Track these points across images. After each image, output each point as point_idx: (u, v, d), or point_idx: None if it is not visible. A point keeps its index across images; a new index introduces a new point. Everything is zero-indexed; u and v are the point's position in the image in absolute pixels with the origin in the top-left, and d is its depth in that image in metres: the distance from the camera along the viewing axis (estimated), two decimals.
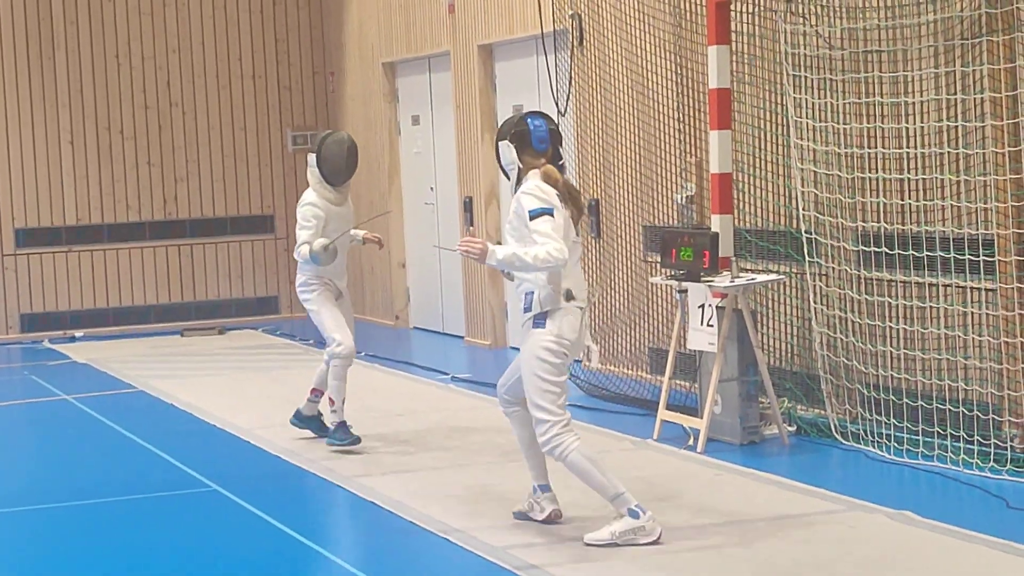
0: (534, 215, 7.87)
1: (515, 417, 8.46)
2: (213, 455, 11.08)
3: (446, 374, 14.25)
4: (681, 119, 12.32)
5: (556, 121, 8.41)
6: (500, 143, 8.19)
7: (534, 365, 7.97)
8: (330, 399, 10.72)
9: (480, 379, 13.77)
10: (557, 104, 13.73)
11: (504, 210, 15.68)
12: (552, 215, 7.88)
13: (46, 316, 18.72)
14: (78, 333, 18.62)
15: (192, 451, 11.14)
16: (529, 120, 8.18)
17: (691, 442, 10.43)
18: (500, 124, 8.44)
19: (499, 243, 8.26)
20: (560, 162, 8.22)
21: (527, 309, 8.03)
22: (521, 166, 8.11)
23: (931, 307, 9.85)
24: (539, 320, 7.97)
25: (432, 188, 17.28)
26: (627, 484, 8.11)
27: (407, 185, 17.97)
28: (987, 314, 9.47)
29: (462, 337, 16.64)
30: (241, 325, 18.94)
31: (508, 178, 8.24)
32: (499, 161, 8.25)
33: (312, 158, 10.78)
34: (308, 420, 11.19)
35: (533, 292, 7.99)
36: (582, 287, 8.11)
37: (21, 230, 18.57)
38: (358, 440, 10.66)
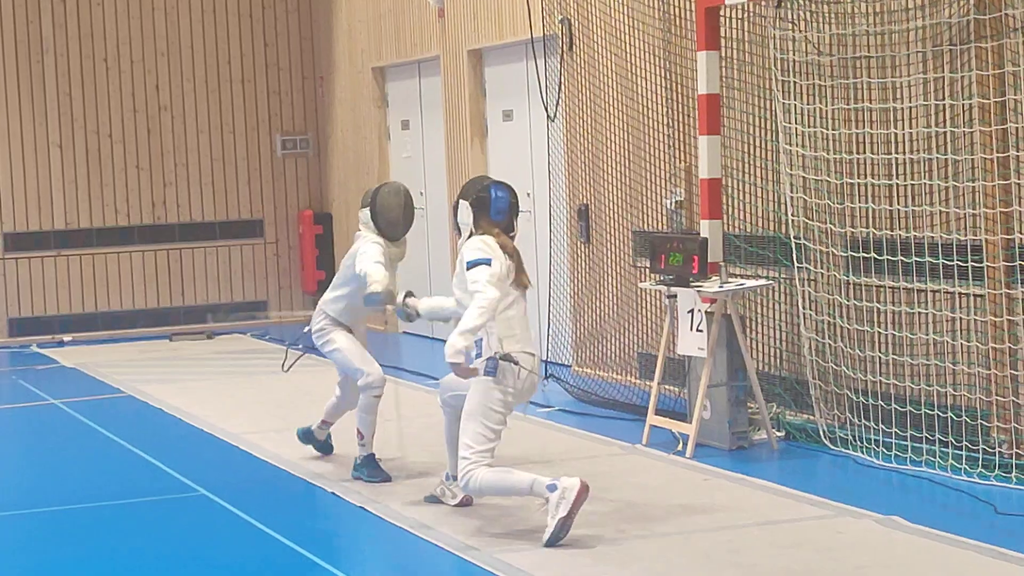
0: (471, 265, 8.26)
1: (448, 414, 9.04)
2: (201, 460, 11.06)
3: (435, 379, 14.23)
4: (670, 124, 12.32)
5: (518, 196, 8.72)
6: (460, 202, 8.57)
7: (479, 413, 8.31)
8: (359, 432, 9.99)
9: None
10: (547, 109, 13.74)
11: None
12: (489, 264, 8.25)
13: (35, 320, 18.69)
14: (66, 337, 18.59)
15: (180, 456, 11.12)
16: (492, 189, 8.55)
17: (680, 447, 10.43)
18: (464, 184, 8.76)
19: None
20: (512, 234, 8.58)
21: (478, 354, 8.29)
22: (474, 230, 8.50)
23: (920, 312, 9.86)
24: (490, 367, 8.26)
25: (422, 193, 17.28)
26: (617, 490, 8.15)
27: None
28: (976, 319, 9.48)
29: None
30: (230, 330, 18.90)
31: (459, 235, 8.61)
32: (455, 218, 8.62)
33: (364, 213, 9.95)
34: (313, 439, 10.76)
35: (482, 339, 8.28)
36: (524, 338, 8.42)
37: (9, 234, 18.54)
38: (389, 478, 9.97)
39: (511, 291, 8.41)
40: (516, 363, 8.28)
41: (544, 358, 13.82)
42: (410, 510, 9.06)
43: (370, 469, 10.01)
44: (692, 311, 10.46)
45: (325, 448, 10.76)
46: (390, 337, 17.68)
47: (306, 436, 10.85)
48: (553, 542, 8.01)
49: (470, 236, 8.49)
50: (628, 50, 12.78)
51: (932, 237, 9.71)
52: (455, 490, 8.96)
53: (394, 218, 9.97)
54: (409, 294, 9.53)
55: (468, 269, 8.26)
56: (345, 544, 8.94)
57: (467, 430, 8.32)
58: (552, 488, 8.05)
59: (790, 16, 10.65)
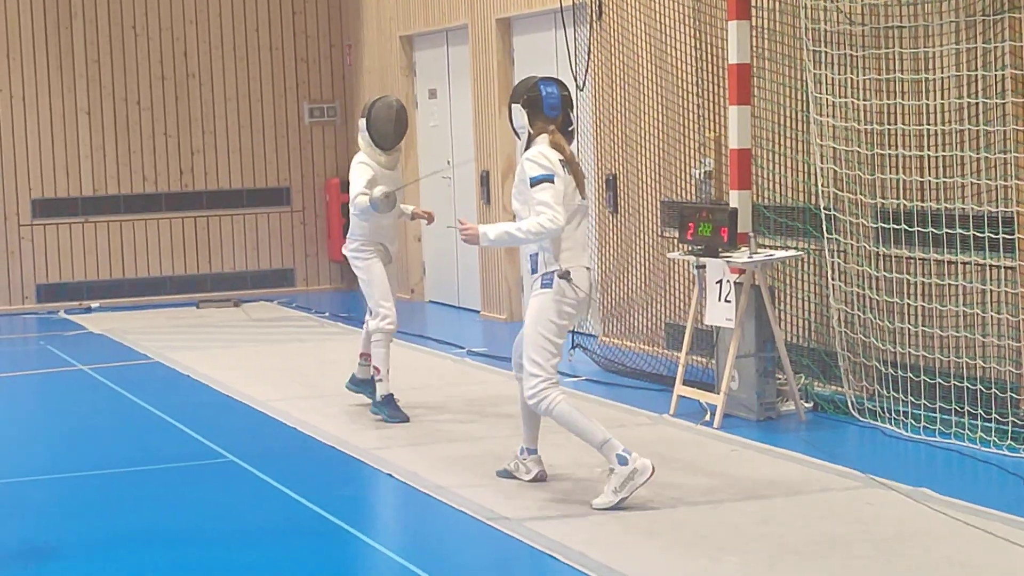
0: (535, 182, 8.14)
1: (522, 384, 8.65)
2: (229, 426, 11.09)
3: (461, 348, 14.25)
4: (700, 94, 12.28)
5: (568, 88, 8.56)
6: (512, 106, 8.45)
7: (538, 321, 8.22)
8: (375, 368, 10.78)
9: (495, 353, 13.76)
10: (575, 78, 13.69)
11: None
12: (552, 181, 8.12)
13: (62, 287, 18.75)
14: (94, 304, 18.64)
15: (208, 422, 11.15)
16: (542, 86, 8.41)
17: (707, 418, 10.42)
18: (514, 87, 8.62)
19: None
20: (570, 128, 8.46)
21: (534, 270, 8.29)
22: (531, 131, 8.37)
23: (949, 284, 9.82)
24: (547, 280, 8.22)
25: (448, 161, 17.26)
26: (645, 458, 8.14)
27: (424, 159, 17.94)
28: (1006, 292, 9.44)
29: (478, 311, 16.63)
30: (256, 297, 18.94)
31: (519, 139, 8.53)
32: (511, 123, 8.51)
33: (362, 123, 10.86)
34: (363, 384, 11.22)
35: (537, 255, 8.24)
36: (583, 251, 8.33)
37: (37, 200, 18.59)
38: (407, 419, 10.70)
39: (571, 204, 8.26)
40: (570, 281, 8.18)
41: (571, 328, 13.81)
42: (435, 476, 9.06)
43: (391, 409, 10.73)
44: (721, 281, 10.43)
45: (374, 391, 10.98)
46: (417, 306, 17.69)
47: (354, 383, 11.28)
48: (606, 508, 8.08)
49: (528, 141, 8.38)
50: (658, 19, 12.73)
51: (963, 209, 9.66)
52: (530, 464, 8.84)
53: (385, 129, 10.84)
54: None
55: (532, 186, 8.13)
56: (371, 510, 8.97)
57: (530, 342, 8.23)
58: (623, 461, 8.06)
59: None
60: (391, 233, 10.97)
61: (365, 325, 11.10)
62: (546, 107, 8.37)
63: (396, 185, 10.88)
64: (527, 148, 8.39)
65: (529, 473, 8.82)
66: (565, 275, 8.20)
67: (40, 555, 7.98)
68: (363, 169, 10.75)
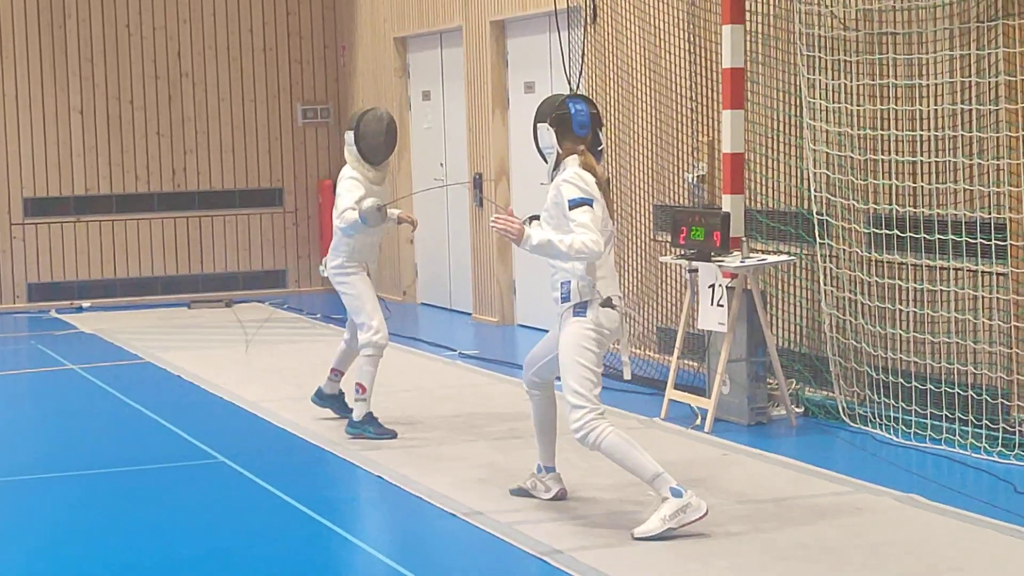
0: (573, 204, 7.69)
1: (536, 400, 8.44)
2: (220, 427, 11.07)
3: (453, 350, 14.24)
4: (694, 98, 12.28)
5: (596, 106, 8.20)
6: (539, 125, 8.00)
7: (574, 352, 7.81)
8: (360, 386, 10.27)
9: (487, 356, 13.75)
10: (569, 81, 13.69)
11: (515, 187, 15.66)
12: (592, 206, 7.71)
13: (53, 286, 18.72)
14: (85, 303, 18.61)
15: (199, 423, 11.13)
16: (570, 103, 7.99)
17: (698, 422, 10.41)
18: (540, 104, 8.18)
19: (535, 219, 8.08)
20: (599, 148, 8.07)
21: (565, 298, 7.86)
22: (560, 151, 7.93)
23: (941, 290, 9.82)
24: (579, 310, 7.82)
25: (442, 164, 17.25)
26: None
27: (417, 161, 17.93)
28: (998, 298, 9.44)
29: (469, 314, 16.62)
30: (248, 298, 18.92)
31: (545, 161, 8.03)
32: (536, 144, 8.06)
33: (349, 136, 10.42)
34: (329, 399, 10.97)
35: (570, 282, 7.83)
36: (614, 280, 7.95)
37: (29, 199, 18.55)
38: (395, 435, 10.28)
39: (605, 230, 7.81)
40: (614, 308, 7.84)
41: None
42: (426, 478, 9.05)
43: (376, 427, 10.25)
44: (713, 286, 10.43)
45: (343, 409, 10.79)
46: (409, 308, 17.68)
47: (320, 397, 10.99)
48: (649, 538, 7.65)
49: (557, 161, 7.96)
50: (652, 23, 12.73)
51: (955, 215, 9.67)
52: (549, 483, 8.48)
53: (375, 144, 10.41)
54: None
55: (571, 209, 7.67)
56: (361, 511, 8.95)
57: (570, 374, 7.79)
58: (677, 494, 7.65)
59: None
60: (375, 253, 10.56)
61: (342, 343, 10.81)
62: (575, 125, 7.93)
63: (386, 200, 10.50)
64: (555, 170, 7.95)
65: (549, 492, 8.47)
66: (607, 303, 7.83)
67: (30, 555, 7.96)
68: (353, 184, 10.31)
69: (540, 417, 8.45)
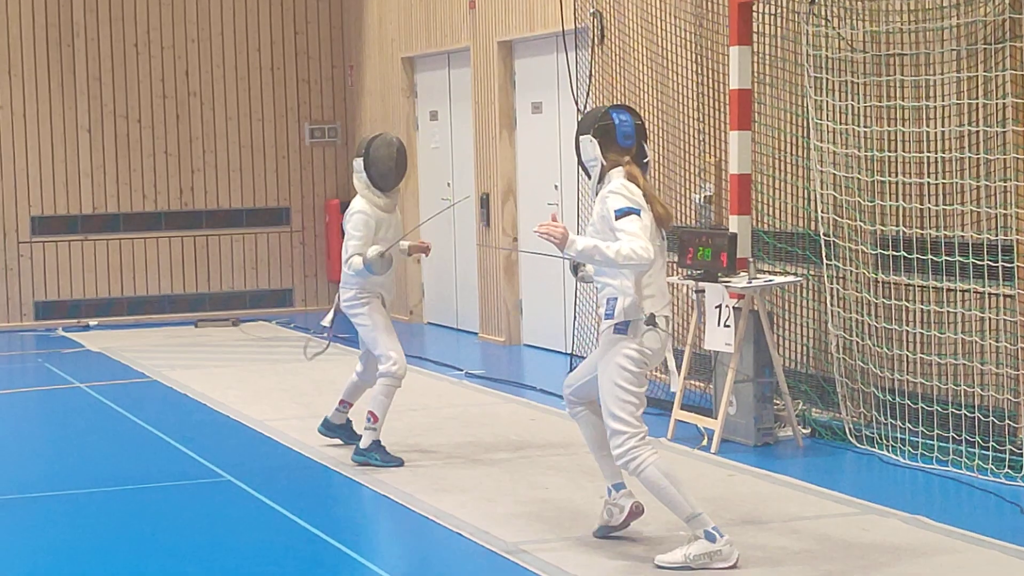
0: (620, 214, 7.40)
1: (581, 417, 8.14)
2: (226, 446, 11.08)
3: (460, 370, 14.24)
4: (701, 119, 12.29)
5: (641, 116, 7.95)
6: (581, 138, 7.74)
7: (614, 374, 7.56)
8: (372, 415, 10.05)
9: (493, 375, 13.76)
10: (576, 102, 13.71)
11: (522, 207, 15.68)
12: (639, 215, 7.43)
13: (60, 304, 18.74)
14: (92, 322, 18.63)
15: (205, 441, 11.13)
16: (614, 114, 7.73)
17: (705, 442, 10.41)
18: (582, 117, 7.99)
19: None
20: (645, 160, 7.81)
21: (609, 316, 7.59)
22: (604, 163, 7.67)
23: (948, 312, 9.82)
24: (620, 327, 7.56)
25: (449, 184, 17.27)
26: (641, 484, 8.08)
27: (424, 181, 17.95)
28: (1005, 320, 9.44)
29: (476, 333, 16.63)
30: (255, 317, 18.93)
31: (588, 176, 7.78)
32: (579, 157, 7.80)
33: (358, 163, 10.16)
34: (337, 429, 10.76)
35: (617, 299, 7.56)
36: (663, 299, 7.68)
37: (37, 218, 18.58)
38: (402, 463, 10.10)
39: (654, 242, 7.52)
40: (656, 327, 7.54)
41: (570, 351, 13.81)
42: (432, 498, 9.05)
43: (382, 454, 10.08)
44: (720, 306, 10.43)
45: (351, 437, 10.71)
46: (416, 327, 17.69)
47: (327, 428, 10.80)
48: (670, 568, 7.51)
49: (601, 173, 7.68)
50: (660, 44, 12.75)
51: (962, 236, 9.67)
52: (621, 501, 8.07)
53: (385, 170, 10.16)
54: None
55: (617, 219, 7.37)
56: (367, 531, 8.95)
57: (610, 397, 7.54)
58: (711, 537, 7.47)
59: (823, 12, 10.61)
60: (390, 285, 10.32)
61: (354, 375, 10.58)
62: (620, 136, 7.65)
63: (397, 230, 10.28)
64: (599, 183, 7.67)
65: (623, 511, 8.07)
66: (651, 321, 7.55)
67: (36, 572, 7.96)
68: (361, 221, 10.05)
69: (591, 433, 8.12)
